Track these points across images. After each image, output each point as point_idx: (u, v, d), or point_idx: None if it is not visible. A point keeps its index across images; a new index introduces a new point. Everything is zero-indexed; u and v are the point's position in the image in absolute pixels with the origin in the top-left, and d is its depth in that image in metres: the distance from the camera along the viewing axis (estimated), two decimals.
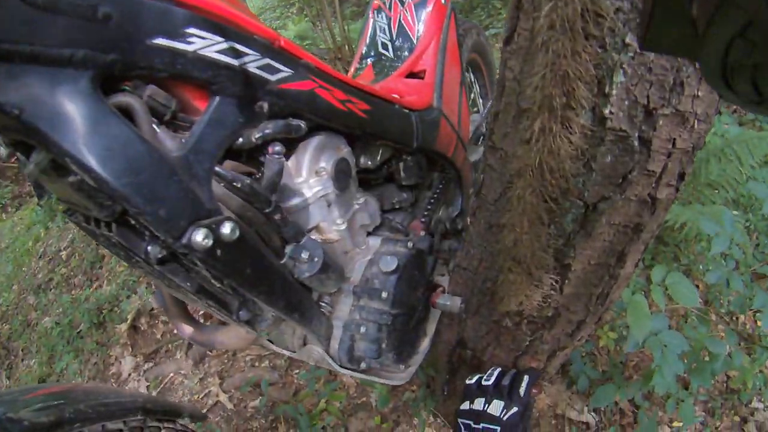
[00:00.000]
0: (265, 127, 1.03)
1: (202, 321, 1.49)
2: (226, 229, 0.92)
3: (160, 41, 0.83)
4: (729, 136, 2.64)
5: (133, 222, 0.91)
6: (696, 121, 0.96)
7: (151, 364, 2.82)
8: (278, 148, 1.06)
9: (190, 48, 0.87)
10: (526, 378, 1.43)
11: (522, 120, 1.02)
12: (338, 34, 4.78)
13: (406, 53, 1.95)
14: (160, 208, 0.82)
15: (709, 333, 2.10)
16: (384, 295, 1.40)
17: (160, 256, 0.93)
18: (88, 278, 3.56)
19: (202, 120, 0.92)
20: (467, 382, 1.50)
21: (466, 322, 1.57)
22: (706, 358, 1.99)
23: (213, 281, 1.03)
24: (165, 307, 1.43)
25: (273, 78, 1.03)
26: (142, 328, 3.07)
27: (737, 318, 2.76)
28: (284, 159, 1.10)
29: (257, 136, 1.02)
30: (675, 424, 2.32)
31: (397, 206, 1.74)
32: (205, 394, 2.61)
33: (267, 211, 1.06)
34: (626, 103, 0.91)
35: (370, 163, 1.53)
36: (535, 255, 1.15)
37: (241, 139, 1.01)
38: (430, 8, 1.98)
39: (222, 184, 0.97)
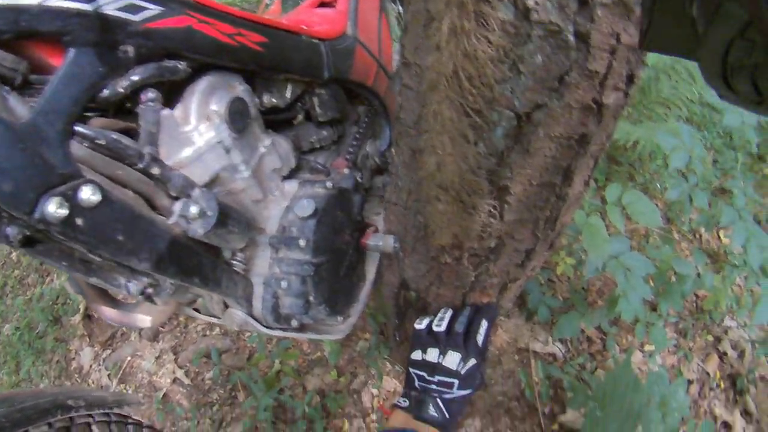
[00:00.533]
0: (133, 73, 0.94)
1: (123, 300, 1.34)
2: (85, 193, 0.83)
3: None
4: None
5: None
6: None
7: (108, 352, 2.70)
8: (151, 95, 0.99)
9: (33, 1, 0.77)
10: (484, 324, 1.30)
11: (428, 27, 0.84)
12: None
13: None
14: (3, 182, 0.74)
15: (674, 253, 1.98)
16: (302, 243, 1.27)
17: (20, 237, 0.84)
18: (40, 275, 3.41)
19: (54, 78, 0.82)
20: (416, 327, 1.37)
21: (404, 262, 1.41)
22: (674, 279, 1.88)
23: (89, 255, 0.95)
24: (81, 293, 1.28)
25: (137, 18, 0.92)
26: (96, 316, 2.92)
27: (700, 236, 2.69)
28: (160, 106, 1.02)
29: (124, 84, 0.93)
30: (647, 347, 2.24)
31: (317, 146, 1.60)
32: (162, 372, 2.51)
33: (141, 166, 0.97)
34: None
35: (276, 101, 1.38)
36: (464, 178, 0.98)
37: (106, 91, 0.91)
38: None
39: (85, 144, 0.89)
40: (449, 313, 1.36)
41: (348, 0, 1.69)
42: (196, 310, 1.43)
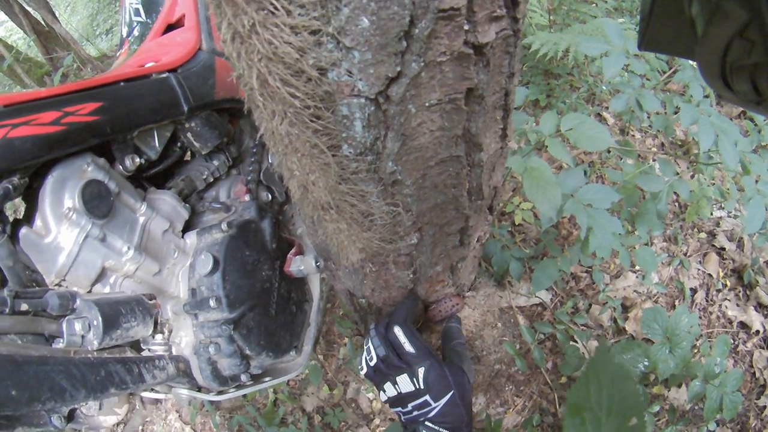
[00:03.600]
0: None
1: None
2: None
3: None
4: None
5: None
6: None
7: (122, 426, 2.60)
8: None
9: None
10: (397, 329, 1.13)
11: (225, 35, 0.64)
12: None
13: (159, 7, 1.56)
14: None
15: (638, 166, 1.80)
16: (213, 302, 1.15)
17: None
18: None
19: None
20: (360, 372, 1.26)
21: (338, 274, 1.23)
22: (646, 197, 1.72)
23: None
24: None
25: None
26: None
27: (663, 142, 2.54)
28: (5, 238, 0.97)
29: None
30: (638, 267, 2.09)
31: (212, 179, 1.46)
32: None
33: (7, 311, 0.92)
34: None
35: (145, 156, 1.27)
36: (338, 192, 0.79)
37: None
38: None
39: None
40: (368, 342, 1.20)
41: (197, 11, 1.48)
42: (154, 389, 1.31)
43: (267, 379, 1.36)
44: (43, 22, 4.61)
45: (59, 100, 1.03)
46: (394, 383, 1.11)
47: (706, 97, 1.64)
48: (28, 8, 4.41)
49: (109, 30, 7.63)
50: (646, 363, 1.49)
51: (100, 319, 0.99)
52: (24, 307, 0.94)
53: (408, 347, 1.09)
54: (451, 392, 1.09)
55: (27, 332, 0.96)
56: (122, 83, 1.17)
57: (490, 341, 1.84)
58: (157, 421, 2.48)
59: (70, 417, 1.07)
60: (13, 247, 0.97)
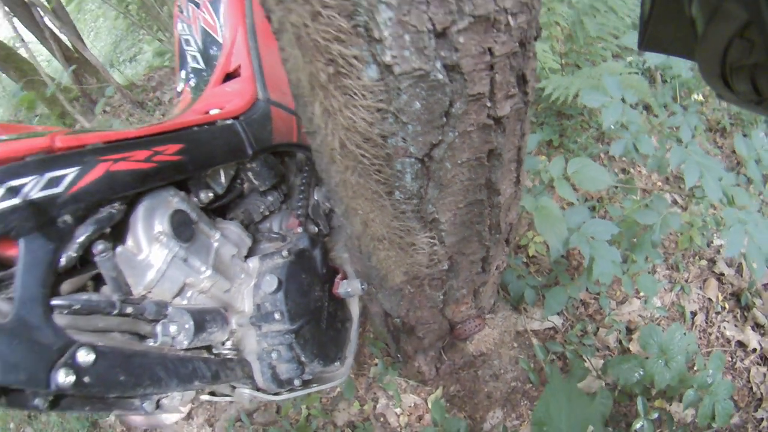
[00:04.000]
0: (78, 236, 1.04)
1: None
2: (81, 356, 0.97)
3: None
4: None
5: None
6: (510, 17, 0.81)
7: None
8: (100, 247, 1.08)
9: None
10: None
11: (307, 108, 0.88)
12: None
13: (217, 57, 1.77)
14: (18, 374, 0.87)
15: (641, 200, 2.02)
16: (278, 315, 1.35)
17: (46, 405, 0.97)
18: None
19: (17, 271, 0.93)
20: None
21: (378, 297, 1.46)
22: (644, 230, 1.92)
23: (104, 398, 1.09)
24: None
25: (61, 188, 1.00)
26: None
27: (666, 179, 2.72)
28: (114, 252, 1.14)
29: (74, 249, 1.03)
30: (643, 294, 2.27)
31: (267, 213, 1.66)
32: None
33: (115, 312, 1.08)
34: (406, 38, 0.75)
35: (213, 193, 1.45)
36: (391, 227, 1.02)
37: (62, 261, 1.01)
38: None
39: (65, 312, 1.00)
40: None
41: (251, 63, 1.69)
42: (212, 393, 1.52)
43: (314, 385, 1.56)
44: (72, 49, 4.75)
45: (147, 140, 1.20)
46: None
47: (694, 138, 1.85)
48: (59, 34, 4.54)
49: (132, 58, 7.44)
50: (641, 373, 1.68)
51: (192, 323, 1.19)
52: (128, 310, 1.10)
53: None
54: None
55: (128, 331, 1.15)
56: (195, 128, 1.36)
57: (507, 360, 2.04)
58: None
59: (158, 404, 1.24)
60: (115, 261, 1.14)
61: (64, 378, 0.92)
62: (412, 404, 2.17)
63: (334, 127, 0.83)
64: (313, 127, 0.93)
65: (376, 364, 2.24)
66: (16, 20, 4.09)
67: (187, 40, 1.83)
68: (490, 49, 0.82)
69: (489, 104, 0.89)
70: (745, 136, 2.36)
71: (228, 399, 1.52)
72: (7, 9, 3.86)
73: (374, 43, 0.76)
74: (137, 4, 4.53)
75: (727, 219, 1.68)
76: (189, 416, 2.64)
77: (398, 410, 2.19)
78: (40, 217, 0.96)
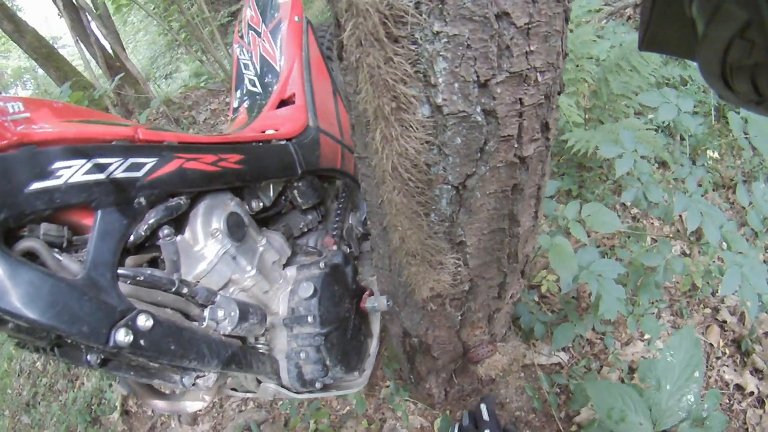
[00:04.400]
0: (149, 218, 1.17)
1: (167, 392, 1.58)
2: (141, 321, 1.07)
3: (36, 186, 0.95)
4: (625, 45, 2.67)
5: (68, 341, 1.05)
6: (538, 74, 0.97)
7: None
8: (166, 231, 1.21)
9: (60, 182, 0.99)
10: (483, 406, 1.51)
11: (368, 132, 1.03)
12: (228, 63, 4.75)
13: (273, 84, 1.94)
14: (82, 326, 0.96)
15: (643, 247, 2.14)
16: (310, 319, 1.47)
17: (98, 361, 1.08)
18: (69, 380, 3.54)
19: (92, 237, 1.05)
20: None
21: (400, 315, 1.59)
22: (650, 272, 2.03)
23: (150, 364, 1.19)
24: (132, 391, 1.50)
25: (141, 174, 1.14)
26: (133, 411, 3.04)
27: (673, 225, 2.81)
28: (176, 238, 1.27)
29: (144, 228, 1.16)
30: (647, 336, 2.37)
31: (306, 229, 1.80)
32: None
33: (173, 290, 1.20)
34: (456, 85, 0.91)
35: (263, 203, 1.59)
36: (425, 244, 1.16)
37: (132, 237, 1.15)
38: (284, 30, 1.95)
39: (128, 282, 1.12)
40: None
41: (304, 93, 1.86)
42: (234, 389, 1.63)
43: (333, 390, 1.68)
44: (114, 57, 4.94)
45: (215, 147, 1.36)
46: None
47: (701, 186, 1.96)
48: (103, 41, 4.72)
49: (168, 75, 7.71)
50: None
51: (237, 311, 1.31)
52: (184, 290, 1.22)
53: (485, 415, 1.43)
54: None
55: (179, 309, 1.26)
56: (254, 143, 1.52)
57: (513, 390, 2.15)
58: None
59: (194, 384, 1.33)
60: (177, 246, 1.27)
61: (123, 337, 1.02)
62: (419, 426, 2.26)
63: (389, 153, 0.98)
64: (368, 152, 1.08)
65: (388, 386, 2.34)
66: (62, 21, 4.25)
67: (246, 65, 2.00)
68: (520, 100, 0.98)
69: (516, 145, 1.05)
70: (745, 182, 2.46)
71: (250, 395, 1.63)
72: (61, 6, 4.02)
73: (430, 87, 0.92)
74: (181, 23, 4.70)
75: (726, 262, 1.80)
76: (195, 422, 2.71)
77: (404, 431, 2.28)
78: (120, 195, 1.09)
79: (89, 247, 1.04)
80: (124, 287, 1.10)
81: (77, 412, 3.18)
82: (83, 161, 1.02)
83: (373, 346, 1.83)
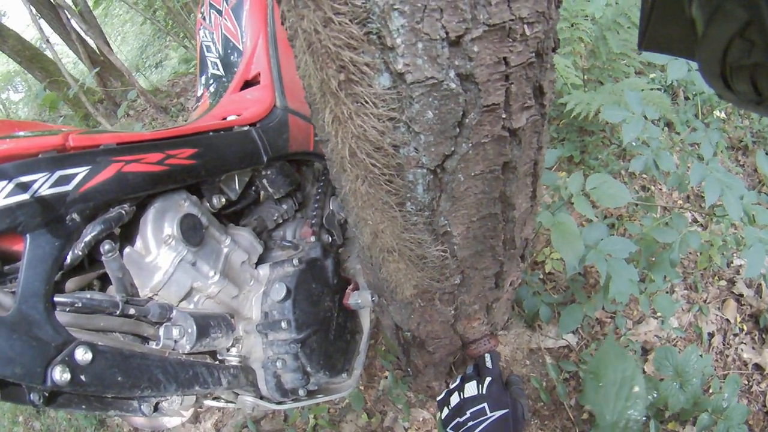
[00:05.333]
0: (85, 235, 1.04)
1: None
2: (79, 354, 0.96)
3: None
4: (622, 1, 2.50)
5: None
6: (525, 27, 0.78)
7: None
8: (107, 247, 1.08)
9: None
10: (487, 356, 1.39)
11: (319, 115, 0.86)
12: None
13: (237, 65, 1.77)
14: (15, 367, 0.87)
15: (661, 219, 1.98)
16: (284, 324, 1.34)
17: (41, 400, 0.97)
18: None
19: (21, 266, 0.93)
20: (438, 399, 1.42)
21: (388, 309, 1.44)
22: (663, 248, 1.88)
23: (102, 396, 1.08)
24: None
25: (71, 186, 1.01)
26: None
27: (687, 197, 2.67)
28: (124, 252, 1.15)
29: (80, 247, 1.03)
30: (659, 314, 2.23)
31: (280, 220, 1.65)
32: None
33: (118, 313, 1.08)
34: (419, 46, 0.73)
35: (226, 197, 1.45)
36: (401, 239, 1.00)
37: (68, 258, 1.02)
38: (247, 6, 1.76)
39: (67, 309, 1.00)
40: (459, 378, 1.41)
41: (270, 71, 1.69)
42: (216, 398, 1.49)
43: (320, 395, 1.55)
44: (98, 52, 4.81)
45: (161, 143, 1.20)
46: (461, 391, 1.30)
47: (717, 154, 1.80)
48: (85, 37, 4.60)
49: (158, 63, 7.49)
50: (655, 395, 1.64)
51: (195, 327, 1.18)
52: (131, 311, 1.10)
53: (488, 363, 1.30)
54: (506, 410, 1.24)
55: (130, 332, 1.14)
56: (211, 133, 1.37)
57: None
58: None
59: (156, 407, 1.22)
60: (122, 262, 1.13)
61: (60, 375, 0.92)
62: (421, 419, 2.15)
63: (344, 136, 0.81)
64: (325, 135, 0.92)
65: (387, 377, 2.22)
66: (42, 21, 4.13)
67: (208, 47, 1.84)
68: (505, 59, 0.79)
69: (504, 115, 0.87)
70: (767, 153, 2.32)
71: (232, 405, 1.50)
72: (34, 10, 3.90)
73: (387, 51, 0.74)
74: (164, 10, 4.57)
75: (747, 238, 1.64)
76: (196, 420, 2.64)
77: (406, 424, 2.18)
78: (48, 214, 0.96)
79: (19, 278, 0.93)
80: (63, 316, 0.99)
81: (83, 417, 3.11)
82: (4, 183, 0.90)
83: (363, 342, 1.69)
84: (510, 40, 0.77)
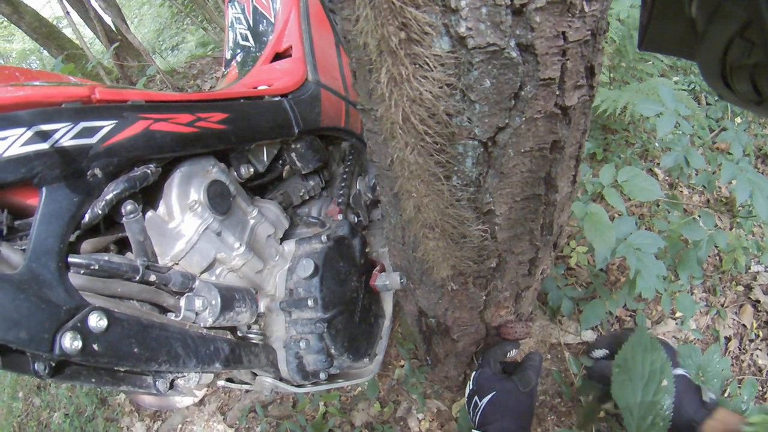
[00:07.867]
0: (107, 193, 0.98)
1: None
2: (93, 321, 0.89)
3: None
4: None
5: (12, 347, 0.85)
6: (585, 2, 0.76)
7: (159, 423, 2.69)
8: (129, 207, 1.02)
9: None
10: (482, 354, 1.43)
11: (371, 74, 0.83)
12: None
13: (268, 36, 1.73)
14: (20, 331, 0.79)
15: (683, 219, 1.95)
16: (311, 302, 1.29)
17: (47, 370, 0.89)
18: None
19: (34, 221, 0.87)
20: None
21: (416, 293, 1.41)
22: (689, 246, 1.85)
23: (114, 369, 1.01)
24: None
25: (94, 140, 0.94)
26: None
27: (713, 194, 2.65)
28: (140, 215, 1.06)
29: (101, 206, 0.97)
30: (678, 314, 2.21)
31: (307, 197, 1.61)
32: None
33: (137, 278, 1.02)
34: (483, 10, 0.70)
35: (254, 169, 1.40)
36: (445, 214, 0.97)
37: (86, 217, 0.95)
38: None
39: (82, 271, 0.94)
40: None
41: (303, 44, 1.66)
42: (230, 380, 1.45)
43: (340, 380, 1.51)
44: (116, 31, 4.80)
45: (192, 105, 1.16)
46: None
47: (747, 155, 1.78)
48: (103, 15, 4.57)
49: (175, 46, 7.54)
50: None
51: (219, 299, 1.12)
52: (152, 278, 1.04)
53: (478, 360, 1.31)
54: (492, 393, 1.25)
55: (149, 301, 1.07)
56: (242, 100, 1.32)
57: None
58: (198, 422, 2.55)
59: (172, 384, 1.15)
60: (144, 224, 1.07)
61: (70, 342, 0.84)
62: (436, 410, 2.12)
63: (399, 98, 0.78)
64: (373, 101, 0.89)
65: (402, 366, 2.19)
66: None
67: (238, 18, 1.81)
68: (564, 34, 0.76)
69: (558, 92, 0.84)
70: None
71: (246, 387, 1.46)
72: None
73: (449, 13, 0.71)
74: None
75: None
76: (201, 403, 2.61)
77: (420, 415, 2.15)
78: (68, 167, 0.91)
79: (30, 234, 0.86)
80: (77, 279, 0.92)
81: (84, 394, 3.10)
82: (21, 130, 0.84)
83: (386, 326, 1.66)
84: (569, 15, 0.75)
